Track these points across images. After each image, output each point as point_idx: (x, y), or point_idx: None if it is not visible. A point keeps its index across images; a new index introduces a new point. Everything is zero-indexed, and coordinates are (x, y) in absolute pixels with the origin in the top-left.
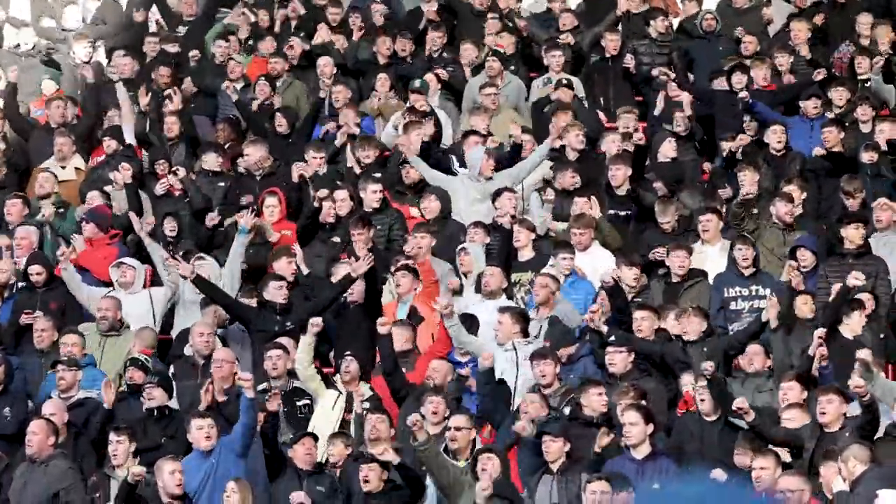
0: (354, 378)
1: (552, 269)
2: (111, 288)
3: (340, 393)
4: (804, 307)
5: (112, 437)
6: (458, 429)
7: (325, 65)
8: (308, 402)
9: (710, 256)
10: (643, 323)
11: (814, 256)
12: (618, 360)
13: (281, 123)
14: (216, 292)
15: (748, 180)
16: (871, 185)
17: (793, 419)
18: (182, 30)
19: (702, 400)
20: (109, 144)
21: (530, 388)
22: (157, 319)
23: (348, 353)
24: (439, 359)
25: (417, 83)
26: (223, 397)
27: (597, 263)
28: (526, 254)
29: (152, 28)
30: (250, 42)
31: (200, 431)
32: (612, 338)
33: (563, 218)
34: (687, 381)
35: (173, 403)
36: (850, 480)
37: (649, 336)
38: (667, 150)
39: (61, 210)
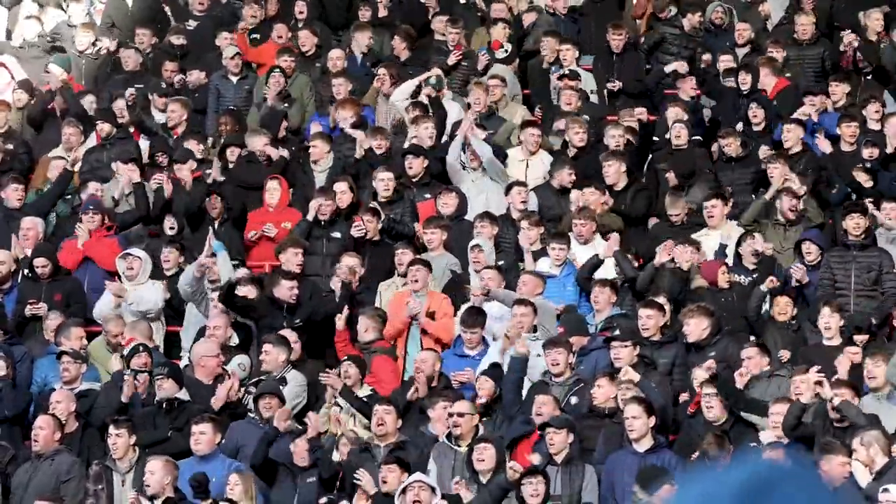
0: (356, 382)
1: (548, 261)
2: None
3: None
4: (780, 309)
5: (111, 430)
6: (460, 415)
7: (337, 58)
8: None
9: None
10: (649, 321)
11: (819, 250)
12: (623, 354)
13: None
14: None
15: (777, 174)
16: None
17: (781, 412)
18: (192, 24)
19: (709, 407)
20: (103, 128)
21: (539, 389)
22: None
23: (346, 358)
24: (427, 350)
25: (433, 80)
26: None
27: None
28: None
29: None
30: (256, 35)
31: (192, 437)
32: (618, 332)
33: (558, 215)
34: (699, 375)
35: (183, 395)
36: (873, 469)
37: (655, 335)
38: (682, 134)
39: (68, 196)
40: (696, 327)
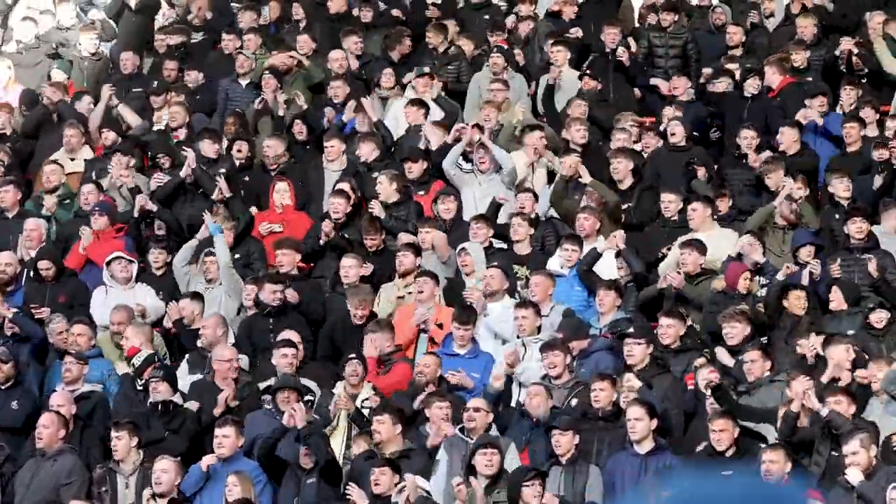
0: (362, 380)
1: (558, 260)
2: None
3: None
4: (796, 303)
5: (113, 432)
6: (476, 409)
7: (341, 58)
8: (312, 399)
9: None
10: (669, 330)
11: (816, 250)
12: (637, 351)
13: (301, 131)
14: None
15: (775, 179)
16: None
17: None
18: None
19: (714, 407)
20: (108, 136)
21: (536, 381)
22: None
23: (353, 355)
24: (429, 354)
25: (426, 69)
26: (234, 402)
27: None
28: (522, 248)
29: (160, 23)
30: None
31: (215, 440)
32: (632, 329)
33: (562, 206)
34: (703, 376)
35: (178, 398)
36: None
37: (674, 343)
38: (678, 133)
39: (66, 201)
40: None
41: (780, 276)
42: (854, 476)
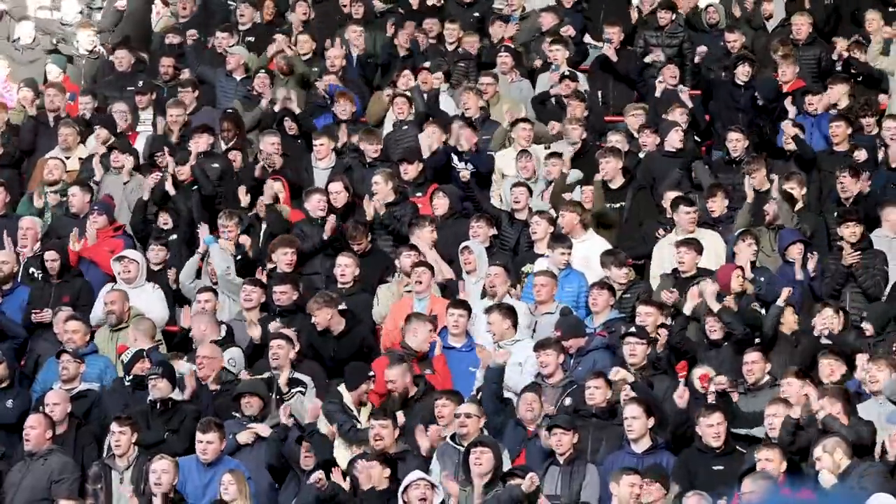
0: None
1: (548, 261)
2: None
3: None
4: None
5: (114, 427)
6: (468, 415)
7: (335, 56)
8: (302, 390)
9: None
10: (647, 319)
11: (803, 247)
12: (638, 351)
13: (291, 127)
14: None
15: (759, 178)
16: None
17: (776, 414)
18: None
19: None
20: (100, 134)
21: (526, 387)
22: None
23: (371, 373)
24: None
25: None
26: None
27: (591, 253)
28: (542, 246)
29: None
30: (249, 38)
31: (199, 445)
32: (633, 328)
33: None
34: (696, 373)
35: (177, 395)
36: (838, 472)
37: (652, 332)
38: (674, 139)
39: (65, 198)
40: None
41: (780, 302)
42: (826, 479)
